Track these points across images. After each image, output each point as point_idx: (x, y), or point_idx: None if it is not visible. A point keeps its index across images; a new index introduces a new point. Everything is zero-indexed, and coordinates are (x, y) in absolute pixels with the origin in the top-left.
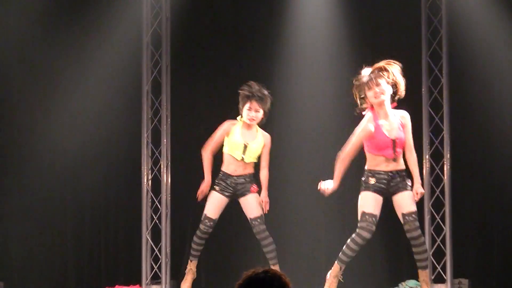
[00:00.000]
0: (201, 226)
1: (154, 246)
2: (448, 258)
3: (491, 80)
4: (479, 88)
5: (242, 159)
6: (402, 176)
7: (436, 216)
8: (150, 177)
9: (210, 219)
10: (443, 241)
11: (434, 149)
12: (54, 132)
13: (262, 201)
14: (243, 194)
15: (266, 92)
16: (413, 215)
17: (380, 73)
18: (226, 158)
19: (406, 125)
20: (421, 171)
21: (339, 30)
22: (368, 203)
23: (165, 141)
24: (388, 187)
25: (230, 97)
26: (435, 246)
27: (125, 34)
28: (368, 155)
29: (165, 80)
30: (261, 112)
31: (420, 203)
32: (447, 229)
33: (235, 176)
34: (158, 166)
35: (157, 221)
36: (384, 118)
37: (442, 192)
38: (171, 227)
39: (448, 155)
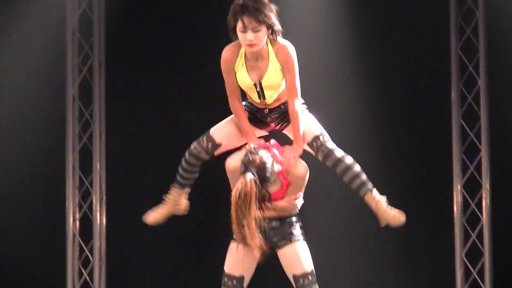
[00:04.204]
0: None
1: None
2: None
3: None
4: None
5: None
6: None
7: (472, 270)
8: (77, 216)
9: None
10: None
11: (469, 176)
12: None
13: None
14: None
15: None
16: (310, 277)
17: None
18: None
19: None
20: (451, 208)
21: None
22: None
23: (99, 166)
24: None
25: (186, 99)
26: None
27: (44, 18)
28: None
29: (98, 82)
30: None
31: (450, 252)
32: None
33: None
34: (89, 201)
35: (87, 278)
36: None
37: (480, 237)
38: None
39: (488, 184)
